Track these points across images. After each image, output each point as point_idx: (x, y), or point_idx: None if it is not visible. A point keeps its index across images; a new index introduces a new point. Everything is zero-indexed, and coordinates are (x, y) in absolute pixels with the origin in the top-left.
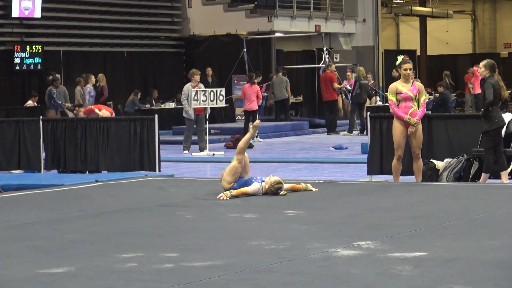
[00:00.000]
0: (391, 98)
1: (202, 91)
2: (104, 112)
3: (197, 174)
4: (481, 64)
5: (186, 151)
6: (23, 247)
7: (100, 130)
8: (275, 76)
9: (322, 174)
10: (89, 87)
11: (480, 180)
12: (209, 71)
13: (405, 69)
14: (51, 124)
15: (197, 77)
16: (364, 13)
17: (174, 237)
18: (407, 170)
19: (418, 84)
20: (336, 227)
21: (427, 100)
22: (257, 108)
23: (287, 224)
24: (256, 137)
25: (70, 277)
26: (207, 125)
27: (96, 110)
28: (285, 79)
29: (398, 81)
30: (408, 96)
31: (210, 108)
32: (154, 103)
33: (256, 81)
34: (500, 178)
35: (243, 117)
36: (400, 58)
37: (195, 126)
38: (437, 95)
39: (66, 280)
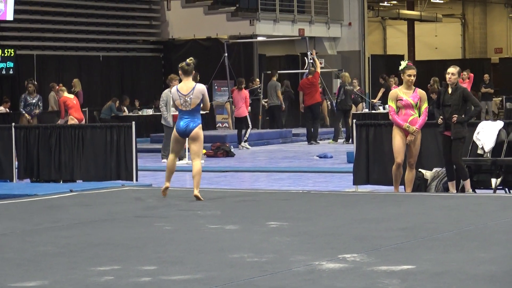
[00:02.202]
0: (391, 104)
1: None
2: (72, 118)
3: (176, 183)
4: (455, 70)
5: (164, 160)
6: None
7: (75, 137)
8: (271, 81)
9: (306, 184)
10: None
11: (466, 190)
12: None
13: (409, 75)
14: (23, 131)
15: (176, 83)
16: (350, 16)
17: (152, 249)
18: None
19: (420, 92)
20: (321, 239)
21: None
22: (246, 114)
23: (269, 236)
24: (245, 141)
25: None
26: None
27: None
28: (274, 83)
29: (399, 88)
30: (409, 104)
31: None
32: (126, 110)
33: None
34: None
35: (224, 125)
36: (404, 63)
37: None
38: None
39: None
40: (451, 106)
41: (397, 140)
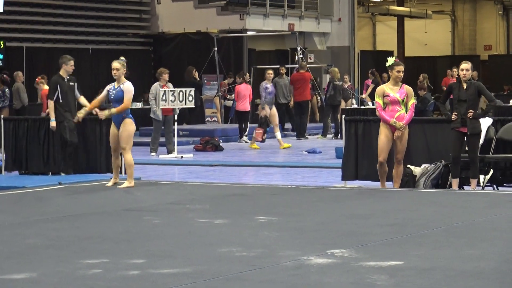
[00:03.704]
0: (378, 100)
1: (171, 91)
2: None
3: (165, 177)
4: (469, 65)
5: (153, 153)
6: None
7: None
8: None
9: (295, 179)
10: (265, 83)
11: (471, 187)
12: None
13: (398, 71)
14: (12, 123)
15: (166, 76)
16: (340, 12)
17: (141, 242)
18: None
19: (407, 88)
20: (309, 234)
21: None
22: (249, 109)
23: (258, 230)
24: (246, 135)
25: (32, 284)
26: (176, 127)
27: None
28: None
29: (386, 84)
30: (395, 100)
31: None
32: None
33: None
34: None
35: (213, 119)
36: (391, 59)
37: (163, 127)
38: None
39: (28, 286)
40: (467, 101)
41: (382, 138)
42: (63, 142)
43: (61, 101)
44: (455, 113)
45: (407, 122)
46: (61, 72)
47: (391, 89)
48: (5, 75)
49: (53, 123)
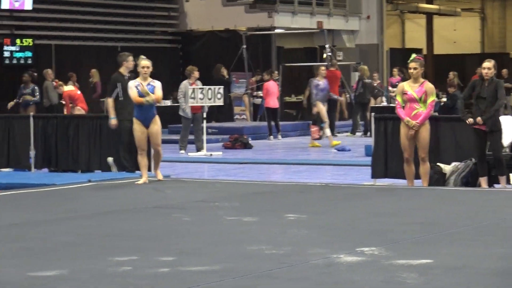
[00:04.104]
0: (398, 98)
1: (199, 88)
2: (79, 109)
3: (194, 175)
4: (491, 64)
5: (182, 151)
6: (13, 249)
7: (93, 127)
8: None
9: (325, 176)
10: (317, 80)
11: (501, 184)
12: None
13: (410, 68)
14: (41, 121)
15: (197, 74)
16: (369, 9)
17: (170, 240)
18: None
19: (427, 85)
20: (339, 232)
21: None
22: (278, 106)
23: (287, 228)
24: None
25: (62, 281)
26: (205, 124)
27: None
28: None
29: (407, 81)
30: (412, 97)
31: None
32: None
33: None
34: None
35: (242, 117)
36: (412, 56)
37: (192, 125)
38: (444, 96)
39: (58, 283)
40: (486, 98)
41: (402, 136)
42: (120, 141)
43: (120, 99)
44: (470, 117)
45: (422, 121)
46: (121, 70)
47: (410, 87)
48: (34, 73)
49: (113, 121)
